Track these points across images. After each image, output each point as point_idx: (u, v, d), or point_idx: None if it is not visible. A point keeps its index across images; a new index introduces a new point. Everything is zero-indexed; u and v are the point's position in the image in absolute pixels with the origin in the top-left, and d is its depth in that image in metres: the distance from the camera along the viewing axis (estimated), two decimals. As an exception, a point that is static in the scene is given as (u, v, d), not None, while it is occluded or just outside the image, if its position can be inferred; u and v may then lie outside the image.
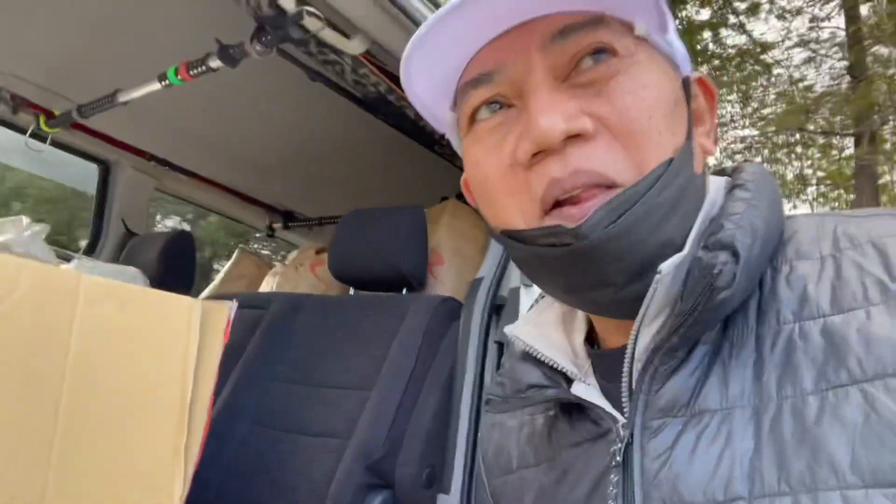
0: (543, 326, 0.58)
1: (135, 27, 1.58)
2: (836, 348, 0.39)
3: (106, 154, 2.14)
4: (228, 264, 2.46)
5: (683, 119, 0.47)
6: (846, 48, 8.94)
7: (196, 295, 2.20)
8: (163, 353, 0.75)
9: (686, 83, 0.49)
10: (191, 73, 1.48)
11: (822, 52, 9.19)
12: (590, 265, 0.44)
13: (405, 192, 2.22)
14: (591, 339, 0.57)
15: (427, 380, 1.32)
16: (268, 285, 2.12)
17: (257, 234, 2.98)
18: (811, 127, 9.28)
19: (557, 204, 0.45)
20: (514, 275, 1.26)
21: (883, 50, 9.27)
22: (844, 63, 8.80)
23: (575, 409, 0.53)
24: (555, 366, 0.54)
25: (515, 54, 0.45)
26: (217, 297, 1.94)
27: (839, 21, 9.20)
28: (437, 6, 1.38)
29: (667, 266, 0.43)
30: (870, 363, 0.37)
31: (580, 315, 0.59)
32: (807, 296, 0.42)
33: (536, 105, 0.44)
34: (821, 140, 9.68)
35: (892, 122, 9.27)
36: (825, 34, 9.23)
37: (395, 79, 1.54)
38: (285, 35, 1.29)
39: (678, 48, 0.49)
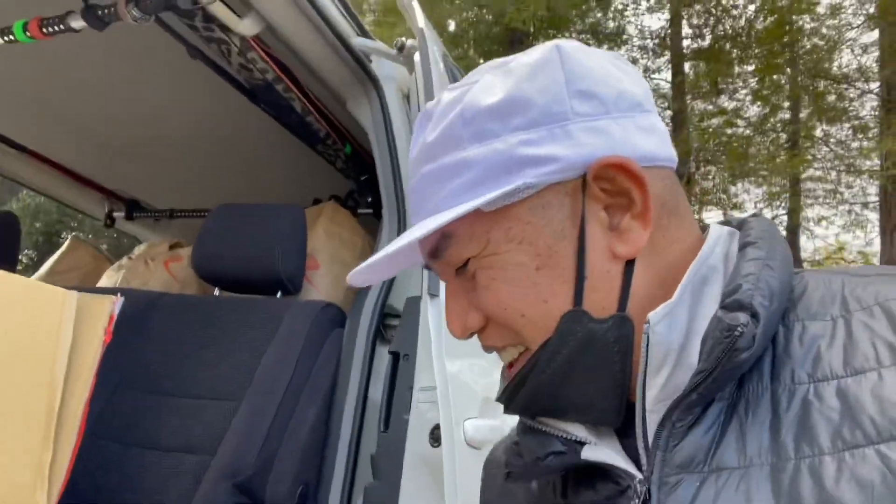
0: None
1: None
2: (851, 409, 0.40)
3: None
4: (58, 253, 2.15)
5: (566, 265, 0.49)
6: (671, 99, 10.01)
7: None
8: (28, 353, 0.61)
9: (584, 184, 0.49)
10: (44, 30, 1.28)
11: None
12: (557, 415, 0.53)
13: (274, 191, 2.09)
14: None
15: (305, 391, 1.23)
16: (110, 280, 1.88)
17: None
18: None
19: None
20: (413, 283, 1.22)
21: (699, 105, 10.53)
22: (669, 112, 9.84)
23: (596, 470, 0.52)
24: (564, 436, 0.53)
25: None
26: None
27: (667, 75, 10.28)
28: None
29: (654, 315, 0.46)
30: (884, 424, 0.38)
31: None
32: (820, 356, 0.43)
33: (447, 306, 0.55)
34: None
35: (702, 169, 10.51)
36: (652, 84, 10.26)
37: (285, 69, 1.45)
38: (170, 2, 1.16)
39: (559, 157, 0.48)
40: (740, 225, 0.54)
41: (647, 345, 0.46)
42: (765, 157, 9.75)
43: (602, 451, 0.51)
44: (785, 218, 9.88)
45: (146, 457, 1.24)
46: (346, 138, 1.77)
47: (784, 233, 7.54)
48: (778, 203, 10.34)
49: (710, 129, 10.12)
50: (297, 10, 1.25)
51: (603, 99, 0.49)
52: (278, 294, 1.45)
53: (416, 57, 1.33)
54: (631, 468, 0.48)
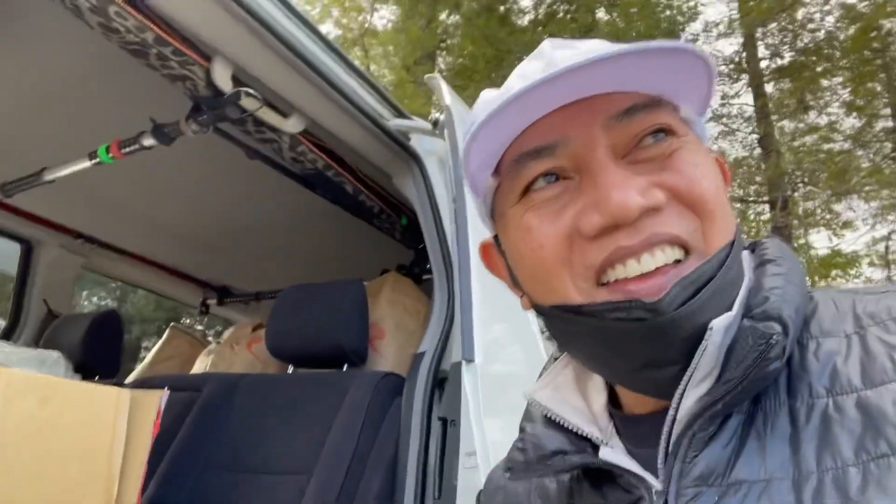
0: (562, 389, 0.57)
1: (65, 105, 1.56)
2: (874, 421, 0.40)
3: (28, 232, 2.05)
4: (159, 343, 2.35)
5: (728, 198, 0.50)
6: (755, 121, 9.63)
7: (124, 377, 2.09)
8: (87, 449, 0.70)
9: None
10: (123, 151, 1.46)
11: (734, 125, 9.85)
12: (660, 342, 0.44)
13: (345, 267, 2.21)
14: (612, 401, 0.56)
15: (369, 462, 1.27)
16: (201, 365, 2.03)
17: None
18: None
19: (615, 282, 0.46)
20: (455, 349, 1.26)
21: (788, 124, 10.05)
22: (755, 136, 9.46)
23: (604, 476, 0.52)
24: (579, 432, 0.53)
25: (578, 130, 0.46)
26: (146, 380, 1.85)
27: (748, 98, 9.93)
28: (371, 84, 1.42)
29: (718, 323, 0.43)
30: None
31: (597, 377, 0.58)
32: (836, 371, 0.43)
33: (609, 180, 0.45)
34: (737, 205, 10.25)
35: (801, 190, 9.94)
36: (735, 109, 9.92)
37: (333, 155, 1.56)
38: (222, 114, 1.29)
39: (707, 131, 0.52)
40: (752, 247, 0.54)
41: (703, 352, 0.44)
42: (869, 169, 9.11)
43: (619, 455, 0.50)
44: (904, 232, 9.11)
45: (232, 534, 1.31)
46: (402, 211, 1.86)
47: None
48: (893, 217, 9.57)
49: (804, 148, 9.60)
50: (334, 104, 1.36)
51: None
52: (345, 367, 1.52)
53: (447, 130, 1.40)
54: (648, 477, 0.47)
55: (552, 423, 0.55)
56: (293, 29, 1.22)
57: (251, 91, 1.26)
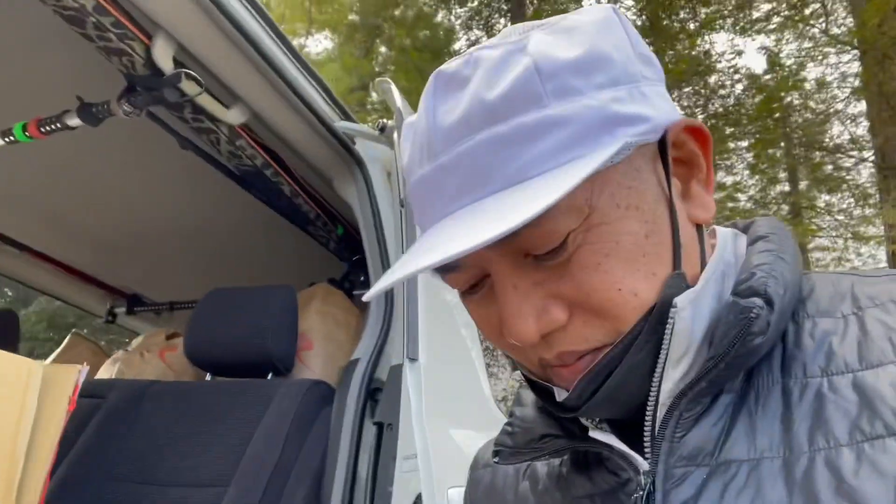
0: None
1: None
2: (870, 402, 0.39)
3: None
4: (58, 350, 2.15)
5: (664, 231, 0.45)
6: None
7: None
8: (-12, 422, 0.61)
9: (663, 144, 0.46)
10: (42, 129, 1.34)
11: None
12: (598, 415, 0.48)
13: (270, 279, 2.11)
14: None
15: (293, 472, 1.20)
16: (106, 373, 1.87)
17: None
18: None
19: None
20: (395, 353, 1.21)
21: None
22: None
23: (592, 459, 0.51)
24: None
25: (472, 256, 0.43)
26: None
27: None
28: (319, 82, 1.39)
29: (681, 300, 0.43)
30: None
31: None
32: (832, 351, 0.43)
33: (505, 308, 0.44)
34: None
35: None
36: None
37: (273, 153, 1.50)
38: (159, 97, 1.22)
39: (647, 116, 0.44)
40: (746, 227, 0.53)
41: (671, 331, 0.43)
42: (768, 228, 9.80)
43: (607, 435, 0.48)
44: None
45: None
46: (338, 220, 1.81)
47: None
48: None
49: (712, 205, 10.22)
50: (280, 98, 1.32)
51: (656, 65, 0.48)
52: (269, 376, 1.44)
53: (395, 136, 1.38)
54: (637, 457, 0.46)
55: (543, 408, 0.54)
56: (244, 13, 1.17)
57: (193, 74, 1.19)
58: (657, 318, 0.43)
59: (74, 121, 1.31)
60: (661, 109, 0.45)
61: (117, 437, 1.36)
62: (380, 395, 1.24)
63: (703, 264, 0.48)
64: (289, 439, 1.22)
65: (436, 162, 0.44)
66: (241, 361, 1.44)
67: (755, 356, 0.44)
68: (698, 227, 0.48)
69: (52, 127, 1.34)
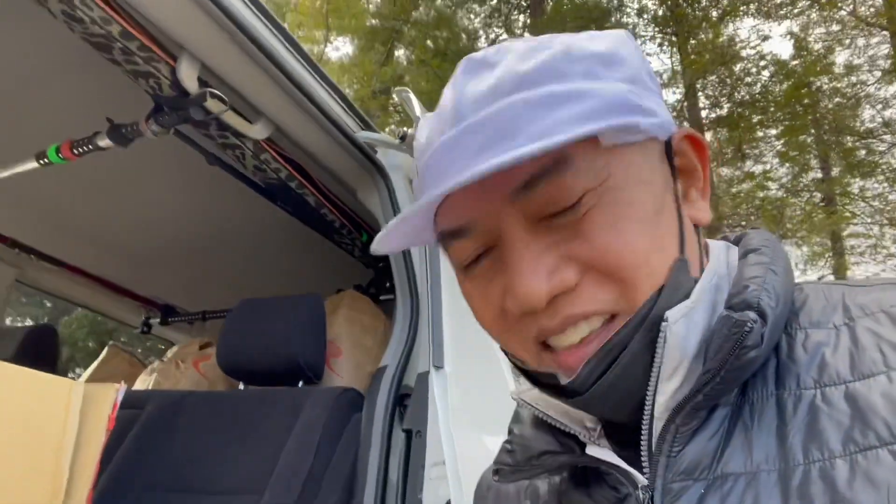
0: None
1: (13, 101, 1.48)
2: (862, 413, 0.39)
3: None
4: (96, 362, 2.22)
5: (672, 217, 0.47)
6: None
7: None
8: (34, 442, 0.64)
9: (668, 147, 0.49)
10: (74, 151, 1.39)
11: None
12: (596, 408, 0.48)
13: (298, 286, 2.15)
14: None
15: (325, 479, 1.22)
16: (143, 384, 1.92)
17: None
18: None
19: (553, 351, 0.47)
20: (422, 361, 1.23)
21: (726, 171, 10.53)
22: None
23: (591, 475, 0.51)
24: (567, 430, 0.52)
25: (484, 207, 0.45)
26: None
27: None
28: (339, 93, 1.41)
29: (673, 314, 0.44)
30: None
31: None
32: (825, 363, 0.43)
33: (516, 264, 0.44)
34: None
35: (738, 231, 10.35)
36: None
37: (297, 165, 1.53)
38: (186, 116, 1.25)
39: (658, 113, 0.47)
40: (738, 239, 0.54)
41: (664, 345, 0.44)
42: (801, 217, 9.61)
43: (605, 452, 0.49)
44: (832, 278, 9.60)
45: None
46: (363, 227, 1.83)
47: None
48: (822, 262, 10.08)
49: (741, 195, 10.07)
50: (302, 111, 1.34)
51: (657, 84, 0.51)
52: (300, 384, 1.47)
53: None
54: (634, 473, 0.47)
55: (540, 424, 0.55)
56: (264, 31, 1.20)
57: (217, 93, 1.22)
58: (669, 292, 0.44)
59: (105, 142, 1.35)
60: (667, 115, 0.49)
61: (155, 446, 1.40)
62: (408, 401, 1.26)
63: (702, 266, 0.49)
64: (320, 447, 1.24)
65: (462, 125, 0.45)
66: (271, 370, 1.47)
67: (750, 369, 0.44)
68: (696, 229, 0.50)
69: (85, 149, 1.38)
